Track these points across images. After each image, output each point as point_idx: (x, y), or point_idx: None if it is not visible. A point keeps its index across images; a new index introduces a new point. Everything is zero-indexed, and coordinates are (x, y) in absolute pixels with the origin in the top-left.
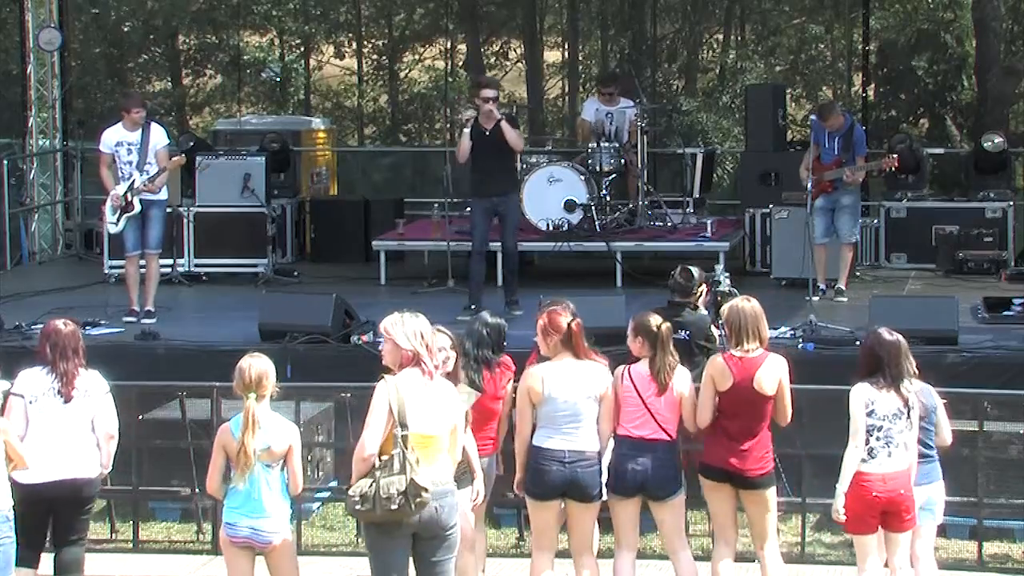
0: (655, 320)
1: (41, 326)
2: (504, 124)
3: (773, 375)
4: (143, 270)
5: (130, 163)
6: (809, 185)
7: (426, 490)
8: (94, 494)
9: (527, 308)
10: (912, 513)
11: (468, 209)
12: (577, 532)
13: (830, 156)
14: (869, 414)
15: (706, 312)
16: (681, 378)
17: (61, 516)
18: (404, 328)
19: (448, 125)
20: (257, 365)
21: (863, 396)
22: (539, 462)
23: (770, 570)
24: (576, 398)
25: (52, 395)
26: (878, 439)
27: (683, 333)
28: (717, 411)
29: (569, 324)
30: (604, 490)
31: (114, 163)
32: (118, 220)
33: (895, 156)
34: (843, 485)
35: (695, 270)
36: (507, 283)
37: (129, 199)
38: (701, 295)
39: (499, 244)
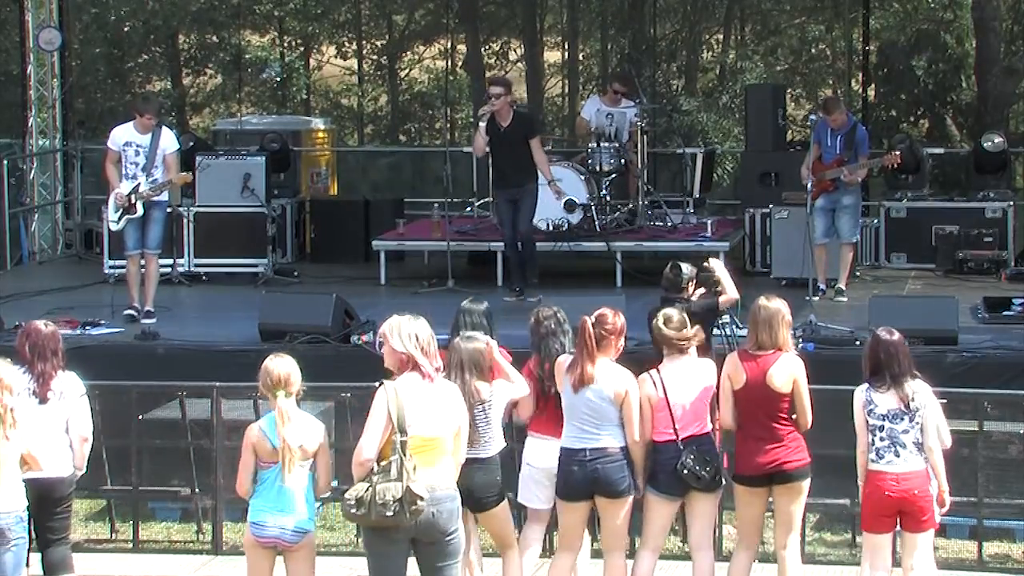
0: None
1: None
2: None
3: (786, 372)
4: (143, 269)
5: (136, 164)
6: (809, 185)
7: (421, 498)
8: (66, 493)
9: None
10: (929, 514)
11: (468, 209)
12: (607, 529)
13: (832, 155)
14: (869, 414)
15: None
16: (710, 371)
17: (39, 516)
18: (400, 331)
19: (448, 125)
20: (282, 364)
21: (861, 396)
22: (563, 464)
23: (789, 568)
24: (596, 399)
25: (28, 395)
26: (882, 439)
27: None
28: (738, 413)
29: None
30: (635, 487)
31: (120, 161)
32: (119, 219)
33: (897, 153)
34: (861, 482)
35: (684, 265)
36: (520, 269)
37: (132, 201)
38: (693, 289)
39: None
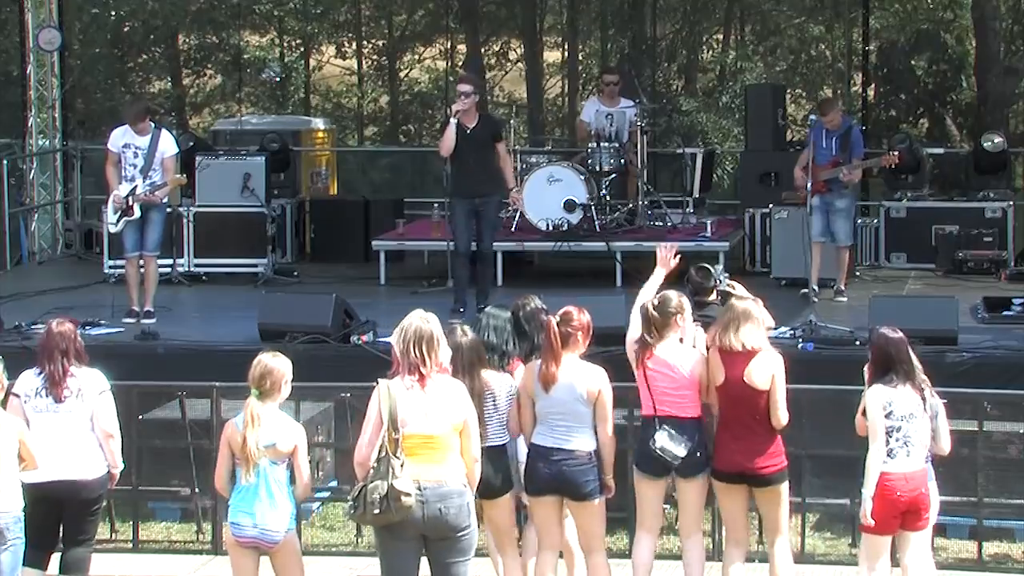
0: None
1: (41, 326)
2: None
3: (765, 370)
4: (142, 270)
5: (135, 166)
6: (809, 185)
7: (407, 494)
8: (97, 495)
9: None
10: (929, 512)
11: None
12: (580, 531)
13: (827, 157)
14: (888, 415)
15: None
16: (698, 360)
17: (67, 516)
18: (399, 327)
19: None
20: (265, 363)
21: (881, 398)
22: (530, 459)
23: (779, 568)
24: (568, 397)
25: (43, 396)
26: (897, 440)
27: None
28: (719, 409)
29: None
30: (599, 489)
31: (120, 162)
32: (118, 221)
33: (895, 153)
34: (869, 490)
35: (710, 267)
36: (480, 285)
37: (130, 203)
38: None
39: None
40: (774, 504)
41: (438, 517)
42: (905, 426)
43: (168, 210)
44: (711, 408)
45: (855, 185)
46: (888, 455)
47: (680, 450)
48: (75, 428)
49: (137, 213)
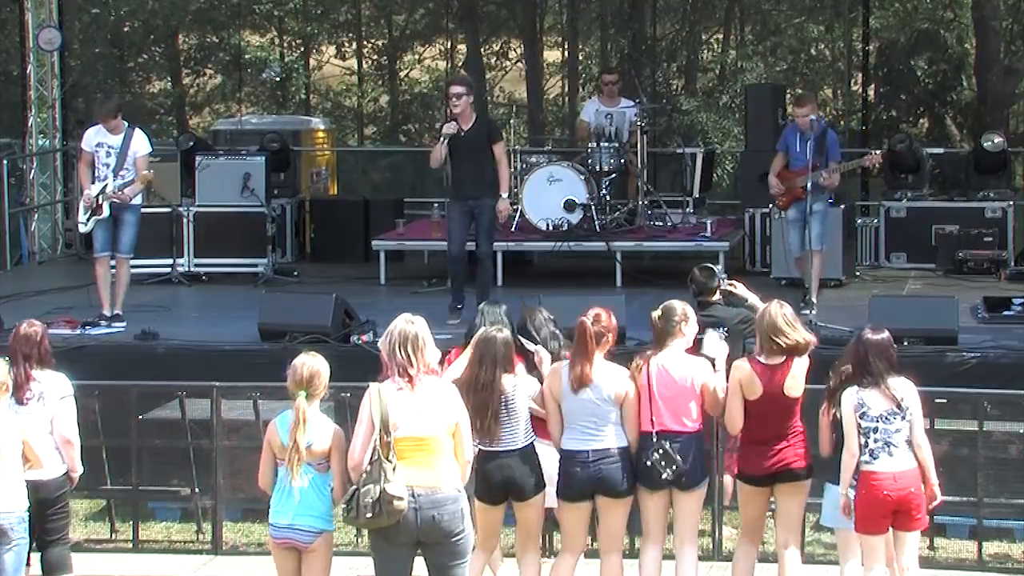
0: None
1: None
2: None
3: (801, 378)
4: (114, 271)
5: (107, 166)
6: (809, 185)
7: (399, 498)
8: (56, 495)
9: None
10: (922, 512)
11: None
12: (605, 530)
13: (801, 161)
14: (862, 416)
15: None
16: (701, 369)
17: (35, 517)
18: (386, 331)
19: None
20: (311, 364)
21: (852, 399)
22: (565, 465)
23: (789, 567)
24: (596, 398)
25: (7, 397)
26: (876, 441)
27: (721, 330)
28: (747, 417)
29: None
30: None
31: (93, 163)
32: (87, 220)
33: (878, 152)
34: (843, 487)
35: (713, 267)
36: (480, 289)
37: (100, 202)
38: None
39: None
40: (797, 500)
41: (432, 524)
42: (882, 426)
43: (167, 209)
44: (734, 426)
45: (832, 189)
46: (871, 456)
47: (668, 473)
48: (34, 431)
49: (106, 212)
